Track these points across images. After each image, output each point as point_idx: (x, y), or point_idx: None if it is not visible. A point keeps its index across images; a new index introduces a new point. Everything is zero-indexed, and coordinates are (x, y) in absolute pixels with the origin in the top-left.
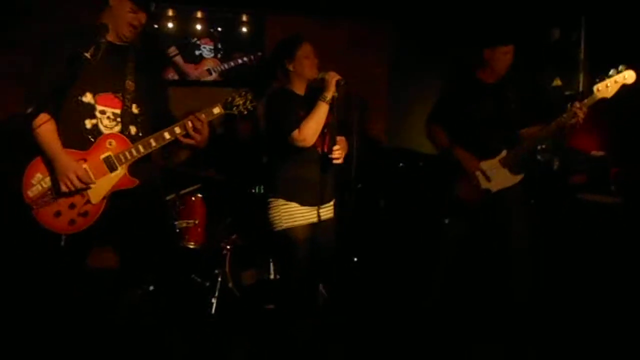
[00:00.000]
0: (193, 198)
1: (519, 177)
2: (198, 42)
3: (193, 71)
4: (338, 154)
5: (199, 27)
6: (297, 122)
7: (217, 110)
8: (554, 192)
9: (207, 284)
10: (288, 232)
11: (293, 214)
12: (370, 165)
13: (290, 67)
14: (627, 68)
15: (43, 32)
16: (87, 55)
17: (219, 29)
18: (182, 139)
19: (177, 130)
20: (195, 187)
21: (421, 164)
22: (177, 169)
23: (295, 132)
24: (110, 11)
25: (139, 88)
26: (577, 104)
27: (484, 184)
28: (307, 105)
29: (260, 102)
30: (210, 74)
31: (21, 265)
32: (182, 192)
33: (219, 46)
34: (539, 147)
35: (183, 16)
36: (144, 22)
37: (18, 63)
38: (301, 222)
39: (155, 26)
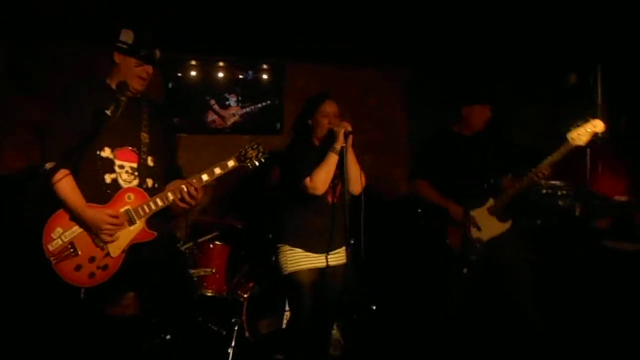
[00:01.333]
0: (211, 245)
1: (507, 224)
2: (227, 95)
3: (225, 114)
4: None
5: (225, 78)
6: (310, 171)
7: (231, 163)
8: (577, 239)
9: (224, 332)
10: (293, 276)
11: (298, 259)
12: (389, 210)
13: (309, 122)
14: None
15: (60, 84)
16: (108, 113)
17: (240, 76)
18: (178, 203)
19: (184, 189)
20: (213, 234)
21: (419, 210)
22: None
23: (307, 180)
24: (118, 68)
25: (153, 139)
26: (543, 164)
27: (475, 234)
28: (321, 156)
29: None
30: (234, 115)
31: (42, 316)
32: (200, 240)
33: (240, 97)
34: (559, 193)
35: (206, 65)
36: (151, 73)
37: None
38: (306, 266)
39: (179, 74)
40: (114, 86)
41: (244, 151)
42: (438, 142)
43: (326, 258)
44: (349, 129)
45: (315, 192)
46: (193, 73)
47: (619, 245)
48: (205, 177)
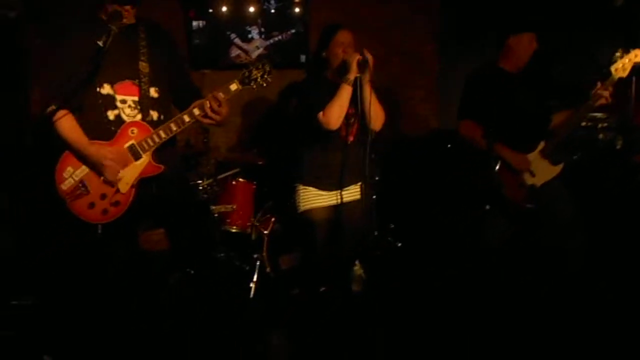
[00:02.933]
0: (233, 182)
1: (559, 168)
2: (248, 28)
3: (248, 48)
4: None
5: (247, 10)
6: (323, 106)
7: (234, 86)
8: (617, 172)
9: (247, 267)
10: (306, 215)
11: (310, 197)
12: (419, 146)
13: (324, 55)
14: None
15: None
16: (100, 43)
17: (267, 11)
18: (202, 119)
19: (197, 112)
20: (233, 171)
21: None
22: (218, 155)
23: (320, 115)
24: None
25: (155, 68)
26: (599, 87)
27: (530, 180)
28: (335, 89)
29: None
30: (259, 48)
31: (64, 256)
32: (220, 176)
33: (262, 28)
34: (599, 126)
35: (223, 3)
36: (131, 9)
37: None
38: (318, 204)
39: (210, 10)
40: (104, 18)
41: (247, 72)
42: (484, 79)
43: (339, 195)
44: (363, 57)
45: (329, 127)
46: (214, 6)
47: None
48: (220, 94)
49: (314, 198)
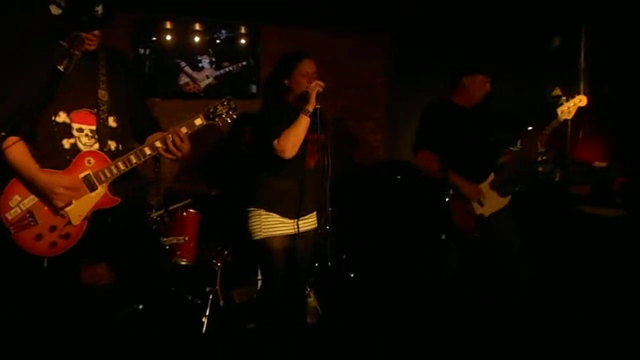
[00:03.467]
0: (185, 213)
1: (507, 199)
2: (199, 57)
3: (197, 76)
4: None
5: (197, 39)
6: (280, 133)
7: (199, 121)
8: (556, 204)
9: (199, 301)
10: (265, 242)
11: (271, 224)
12: (369, 177)
13: (286, 83)
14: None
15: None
16: (61, 68)
17: (217, 41)
18: (163, 153)
19: (159, 144)
20: (185, 202)
21: (419, 177)
22: (171, 184)
23: (275, 142)
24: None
25: (114, 97)
26: (538, 139)
27: (478, 210)
28: (294, 117)
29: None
30: (208, 78)
31: (6, 286)
32: (171, 207)
33: (213, 58)
34: (539, 159)
35: (176, 30)
36: (98, 34)
37: None
38: (279, 232)
39: (154, 39)
40: (65, 43)
41: (212, 108)
42: (439, 113)
43: (297, 224)
44: (321, 88)
45: (284, 155)
46: (164, 35)
47: (598, 211)
48: (182, 129)
49: (274, 225)
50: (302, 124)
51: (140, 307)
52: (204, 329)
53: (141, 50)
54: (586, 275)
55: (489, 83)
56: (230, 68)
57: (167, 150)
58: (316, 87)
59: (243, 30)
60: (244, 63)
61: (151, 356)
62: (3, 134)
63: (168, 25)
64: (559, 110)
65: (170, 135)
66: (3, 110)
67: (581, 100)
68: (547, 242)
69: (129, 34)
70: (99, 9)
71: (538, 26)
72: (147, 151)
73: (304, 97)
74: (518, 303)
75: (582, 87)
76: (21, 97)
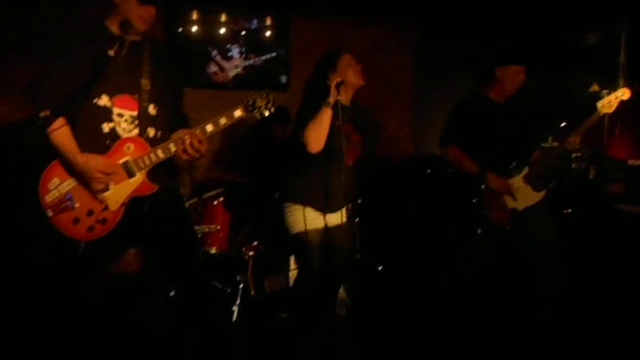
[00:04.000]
0: (215, 202)
1: (542, 194)
2: (229, 46)
3: (227, 65)
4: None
5: (228, 28)
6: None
7: (238, 113)
8: (590, 202)
9: (229, 290)
10: (301, 236)
11: (307, 219)
12: (397, 171)
13: (328, 83)
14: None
15: (51, 33)
16: (111, 53)
17: (244, 26)
18: (181, 154)
19: (187, 140)
20: (217, 191)
21: (450, 171)
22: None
23: (300, 135)
24: (118, 9)
25: (156, 86)
26: (575, 133)
27: (511, 204)
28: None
29: None
30: (237, 67)
31: (40, 270)
32: (204, 196)
33: (243, 48)
34: (573, 155)
35: (208, 19)
36: (154, 14)
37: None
38: (314, 226)
39: (180, 29)
40: (113, 29)
41: (252, 100)
42: (470, 107)
43: (334, 217)
44: (340, 79)
45: (309, 149)
46: (195, 23)
47: (632, 208)
48: (209, 127)
49: (311, 219)
50: (323, 116)
51: (172, 294)
52: (234, 317)
53: (171, 39)
54: (617, 273)
55: (523, 73)
56: (260, 58)
57: (184, 151)
58: (335, 79)
59: (271, 22)
60: (274, 54)
61: (180, 343)
62: (47, 114)
63: (196, 15)
64: (598, 104)
65: (187, 137)
66: (52, 93)
67: (624, 94)
68: (582, 239)
69: (159, 22)
70: None
71: (575, 20)
72: (187, 139)
73: (326, 90)
74: (544, 302)
75: (621, 82)
76: (69, 81)
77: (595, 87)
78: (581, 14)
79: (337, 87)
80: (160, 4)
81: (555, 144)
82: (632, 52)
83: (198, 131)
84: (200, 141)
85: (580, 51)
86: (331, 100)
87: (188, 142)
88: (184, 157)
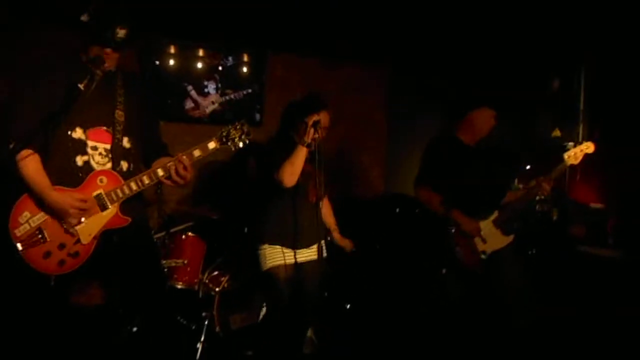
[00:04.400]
0: (183, 236)
1: (510, 238)
2: (206, 82)
3: (203, 102)
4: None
5: (204, 64)
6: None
7: (212, 144)
8: (553, 243)
9: (193, 327)
10: (270, 272)
11: (276, 255)
12: (367, 209)
13: (297, 124)
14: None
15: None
16: (81, 87)
17: (220, 62)
18: (165, 181)
19: (173, 167)
20: (186, 225)
21: (418, 211)
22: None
23: (274, 172)
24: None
25: (130, 117)
26: (542, 179)
27: (480, 247)
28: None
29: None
30: (213, 104)
31: (8, 304)
32: (172, 230)
33: (219, 84)
34: (537, 198)
35: (184, 54)
36: (111, 53)
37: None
38: (283, 262)
39: (157, 62)
40: (85, 59)
41: (226, 132)
42: (443, 149)
43: (301, 254)
44: (317, 118)
45: (283, 185)
46: (171, 58)
47: (594, 250)
48: (197, 152)
49: (279, 255)
50: (299, 154)
51: (135, 329)
52: (199, 354)
53: (147, 73)
54: (582, 314)
55: (494, 118)
56: (235, 95)
57: (169, 177)
58: (312, 118)
59: (247, 58)
60: (249, 90)
61: None
62: (12, 146)
63: (173, 49)
64: (565, 155)
65: (173, 164)
66: (21, 125)
67: (588, 147)
68: (547, 280)
69: (136, 56)
70: (122, 32)
71: (538, 66)
72: (160, 172)
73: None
74: (513, 340)
75: (580, 128)
76: (39, 112)
77: (557, 132)
78: (543, 60)
79: (314, 126)
80: (124, 45)
81: (521, 186)
82: (590, 99)
83: (185, 157)
84: (185, 168)
85: (543, 97)
86: (307, 139)
87: (174, 168)
88: (168, 183)
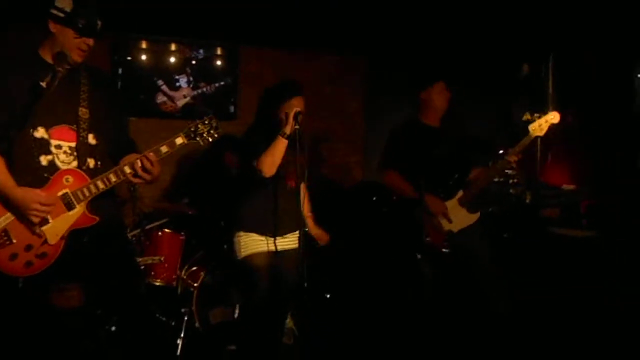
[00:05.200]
0: (160, 233)
1: (476, 216)
2: (177, 77)
3: (175, 95)
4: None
5: (175, 58)
6: (260, 154)
7: (179, 140)
8: (526, 226)
9: (173, 323)
10: (247, 260)
11: (251, 243)
12: (345, 198)
13: (272, 113)
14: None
15: None
16: (43, 84)
17: (195, 60)
18: (131, 178)
19: (138, 163)
20: (162, 221)
21: (394, 198)
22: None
23: (254, 162)
24: (53, 38)
25: (95, 114)
26: (510, 154)
27: (447, 226)
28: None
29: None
30: (185, 97)
31: None
32: (148, 226)
33: (191, 78)
34: (510, 181)
35: (156, 49)
36: (92, 45)
37: None
38: (259, 249)
39: (130, 58)
40: (48, 58)
41: (193, 127)
42: (406, 132)
43: (278, 241)
44: (299, 109)
45: (263, 175)
46: (143, 54)
47: (567, 232)
48: (164, 149)
49: (255, 243)
50: (279, 146)
51: (113, 328)
52: (179, 351)
53: (118, 69)
54: (556, 296)
55: (444, 88)
56: (207, 88)
57: (135, 175)
58: (293, 109)
59: (220, 51)
60: (222, 83)
61: None
62: None
63: (145, 44)
64: (530, 127)
65: (138, 160)
66: None
67: (554, 117)
68: (521, 263)
69: (106, 52)
70: (100, 22)
71: (508, 54)
72: (127, 170)
73: (283, 119)
74: (488, 318)
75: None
76: (0, 114)
77: (527, 116)
78: (514, 48)
79: (296, 117)
80: (103, 35)
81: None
82: (558, 83)
83: (151, 154)
84: (152, 163)
85: (515, 82)
86: (287, 130)
87: (139, 164)
88: (136, 180)
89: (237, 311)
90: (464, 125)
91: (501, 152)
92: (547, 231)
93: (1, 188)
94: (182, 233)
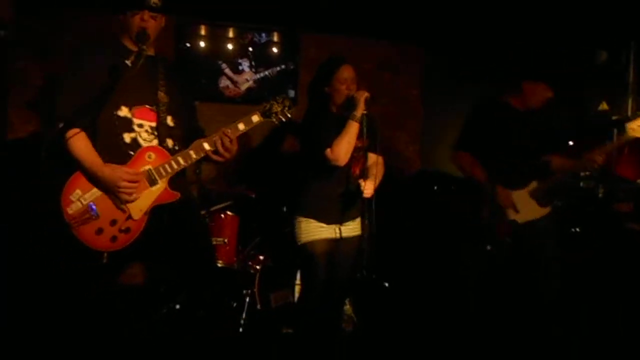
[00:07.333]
0: (223, 215)
1: (546, 210)
2: (239, 60)
3: (238, 79)
4: (368, 188)
5: (232, 39)
6: (330, 141)
7: (256, 118)
8: (599, 221)
9: (235, 304)
10: (306, 247)
11: (312, 230)
12: (405, 186)
13: (326, 90)
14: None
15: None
16: (128, 62)
17: (256, 45)
18: (212, 155)
19: (207, 147)
20: (226, 203)
21: (454, 188)
22: (208, 186)
23: (328, 151)
24: (124, 26)
25: (171, 100)
26: (597, 152)
27: (511, 215)
28: (341, 124)
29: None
30: (248, 81)
31: (62, 282)
32: (213, 208)
33: (253, 62)
34: (582, 174)
35: (216, 34)
36: (153, 23)
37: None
38: (319, 236)
39: (188, 44)
40: (129, 45)
41: (268, 105)
42: (486, 112)
43: (340, 229)
44: (371, 95)
45: (337, 163)
46: (202, 40)
47: None
48: (241, 126)
49: (316, 230)
50: (353, 131)
51: (177, 307)
52: (240, 331)
53: (183, 55)
54: (629, 293)
55: (550, 91)
56: (269, 72)
57: (215, 152)
58: (364, 93)
59: (280, 37)
60: (283, 66)
61: (186, 357)
62: (61, 125)
63: (204, 30)
64: (628, 127)
65: (219, 137)
66: (66, 104)
67: None
68: (592, 258)
69: (170, 37)
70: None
71: (584, 40)
72: (207, 146)
73: (351, 104)
74: (538, 314)
75: (630, 102)
76: (85, 93)
77: (604, 106)
78: (590, 34)
79: (366, 102)
80: (165, 16)
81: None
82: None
83: (229, 131)
84: (231, 141)
85: (589, 69)
86: (358, 113)
87: (220, 142)
88: (215, 158)
89: (296, 295)
90: (551, 116)
91: (570, 143)
92: (620, 227)
93: (89, 166)
94: (239, 216)
